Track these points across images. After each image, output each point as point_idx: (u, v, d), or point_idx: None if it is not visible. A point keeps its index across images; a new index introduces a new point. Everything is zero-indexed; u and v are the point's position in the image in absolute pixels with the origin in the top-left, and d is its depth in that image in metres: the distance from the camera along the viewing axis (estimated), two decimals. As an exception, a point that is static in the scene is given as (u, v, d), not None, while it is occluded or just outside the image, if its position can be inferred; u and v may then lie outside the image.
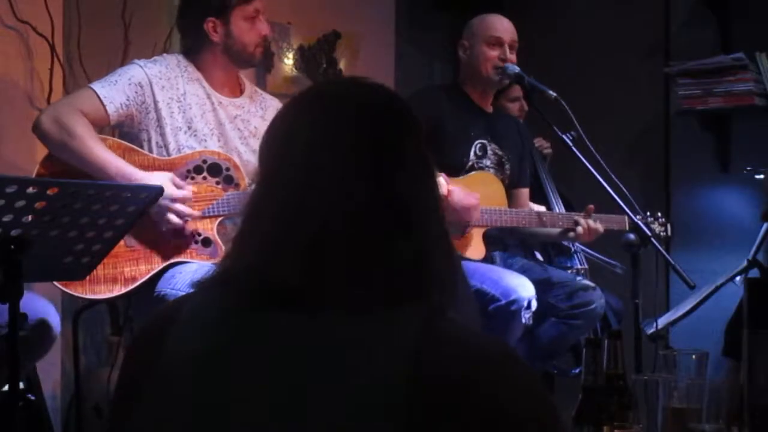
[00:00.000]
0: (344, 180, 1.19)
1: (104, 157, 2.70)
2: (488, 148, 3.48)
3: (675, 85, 4.33)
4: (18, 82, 3.40)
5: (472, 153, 3.44)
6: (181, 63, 2.94)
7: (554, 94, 3.26)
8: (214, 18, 2.91)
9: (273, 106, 3.09)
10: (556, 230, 3.45)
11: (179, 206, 2.73)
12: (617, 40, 4.61)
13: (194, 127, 2.87)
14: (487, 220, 3.25)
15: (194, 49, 2.97)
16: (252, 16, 2.92)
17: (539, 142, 4.25)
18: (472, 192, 3.19)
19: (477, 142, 3.45)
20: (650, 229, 3.18)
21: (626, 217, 3.25)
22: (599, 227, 3.33)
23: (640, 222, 3.18)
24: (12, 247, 2.04)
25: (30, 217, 2.05)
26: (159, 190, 2.43)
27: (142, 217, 2.37)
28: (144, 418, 1.19)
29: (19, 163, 3.28)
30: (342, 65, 4.54)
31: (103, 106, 2.77)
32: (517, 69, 3.38)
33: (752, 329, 1.75)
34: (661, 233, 3.34)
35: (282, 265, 1.17)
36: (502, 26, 3.50)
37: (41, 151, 2.86)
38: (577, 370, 3.68)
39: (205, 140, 2.88)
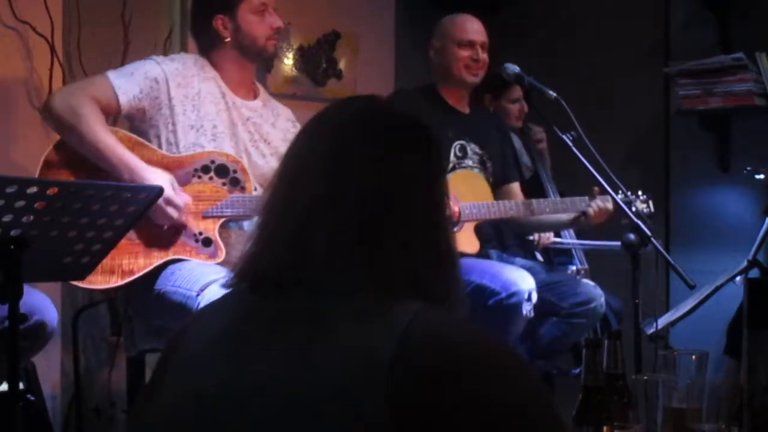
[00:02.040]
0: (340, 184, 1.29)
1: (110, 145, 2.70)
2: (468, 148, 3.48)
3: (675, 85, 4.33)
4: (18, 82, 3.40)
5: (451, 154, 3.44)
6: (198, 62, 2.95)
7: (554, 94, 3.26)
8: (222, 15, 2.93)
9: (284, 115, 3.11)
10: (563, 218, 3.44)
11: (171, 210, 2.71)
12: (617, 40, 4.61)
13: (206, 126, 2.87)
14: (475, 214, 3.26)
15: (208, 48, 2.99)
16: (260, 10, 2.94)
17: (536, 132, 4.25)
18: (456, 193, 3.19)
19: (456, 143, 3.45)
20: (642, 219, 3.18)
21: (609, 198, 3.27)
22: (608, 206, 3.32)
23: (640, 223, 3.17)
24: (12, 247, 2.04)
25: (30, 217, 2.05)
26: (158, 191, 2.43)
27: (141, 217, 2.37)
28: (164, 396, 1.30)
29: (19, 163, 3.28)
30: (342, 65, 4.54)
31: (116, 95, 2.79)
32: (517, 69, 3.37)
33: (752, 329, 1.75)
34: (644, 210, 3.33)
35: (282, 255, 1.30)
36: (473, 27, 3.50)
37: (41, 151, 2.86)
38: (577, 370, 3.68)
39: (215, 139, 2.88)
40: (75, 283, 2.72)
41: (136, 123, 2.89)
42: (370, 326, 1.20)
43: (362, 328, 1.20)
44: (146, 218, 2.68)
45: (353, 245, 1.26)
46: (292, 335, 1.24)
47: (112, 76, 2.82)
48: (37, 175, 2.74)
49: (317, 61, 4.47)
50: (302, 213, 1.29)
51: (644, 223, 3.15)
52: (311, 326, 1.23)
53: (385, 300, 1.23)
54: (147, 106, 2.84)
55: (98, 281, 2.69)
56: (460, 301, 1.32)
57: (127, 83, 2.81)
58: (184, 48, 3.86)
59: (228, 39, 2.94)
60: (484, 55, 3.46)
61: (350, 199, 1.28)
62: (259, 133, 2.99)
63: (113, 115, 2.88)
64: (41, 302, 2.60)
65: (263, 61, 3.12)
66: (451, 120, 3.47)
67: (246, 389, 1.22)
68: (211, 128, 2.88)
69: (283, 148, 2.96)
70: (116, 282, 2.71)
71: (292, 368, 1.21)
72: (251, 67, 3.04)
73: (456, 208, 3.17)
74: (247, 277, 1.35)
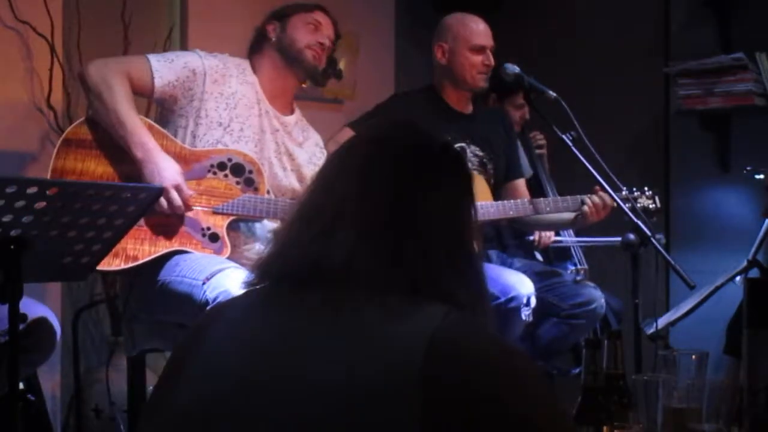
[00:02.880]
0: (369, 191, 1.35)
1: (131, 122, 2.72)
2: (468, 150, 3.46)
3: (675, 85, 4.33)
4: (18, 82, 3.40)
5: None
6: (241, 66, 2.98)
7: (554, 94, 3.25)
8: (275, 21, 3.03)
9: (313, 139, 3.12)
10: (566, 216, 3.43)
11: (174, 195, 2.70)
12: (617, 40, 4.61)
13: (234, 126, 2.89)
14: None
15: (253, 53, 3.04)
16: (310, 23, 3.01)
17: (535, 135, 4.25)
18: None
19: (456, 146, 3.43)
20: (644, 212, 3.17)
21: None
22: (607, 200, 3.29)
23: (640, 223, 3.17)
24: (12, 247, 2.04)
25: (30, 217, 2.05)
26: (158, 191, 2.43)
27: (141, 217, 2.37)
28: (184, 390, 1.31)
29: (20, 163, 3.29)
30: (342, 65, 4.53)
31: (152, 77, 2.82)
32: (517, 69, 3.37)
33: (752, 329, 1.75)
34: (650, 206, 3.33)
35: (306, 254, 1.32)
36: (481, 31, 3.46)
37: (41, 151, 2.86)
38: (577, 370, 3.68)
39: (239, 141, 2.88)
40: None
41: (165, 109, 2.91)
42: (397, 328, 1.22)
43: (388, 330, 1.22)
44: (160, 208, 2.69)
45: (378, 247, 1.29)
46: (316, 335, 1.26)
47: (153, 59, 2.86)
48: (54, 152, 2.74)
49: (317, 61, 4.46)
50: (329, 216, 1.32)
51: (649, 218, 3.15)
52: (335, 326, 1.25)
53: (410, 302, 1.26)
54: (179, 95, 2.86)
55: (101, 263, 2.69)
56: (485, 308, 1.35)
57: (166, 68, 2.84)
58: (184, 48, 3.86)
59: (273, 40, 3.00)
60: (492, 59, 3.45)
61: (377, 203, 1.32)
62: (285, 147, 3.01)
63: (145, 95, 2.90)
64: (43, 312, 2.61)
65: (304, 73, 3.04)
66: (453, 122, 3.45)
67: (269, 390, 1.23)
68: (238, 130, 2.89)
69: (306, 169, 3.02)
70: (119, 266, 2.71)
71: (319, 369, 1.22)
72: (290, 77, 3.03)
73: None
74: (270, 275, 1.37)
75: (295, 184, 3.00)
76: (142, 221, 2.69)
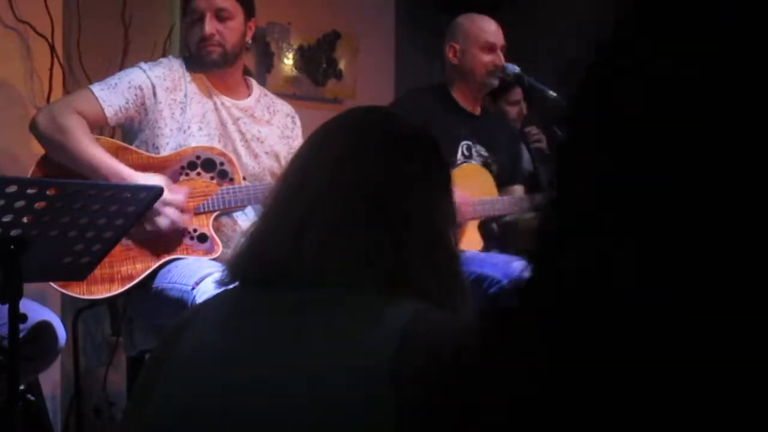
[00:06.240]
0: (341, 184, 1.29)
1: (101, 158, 2.69)
2: (473, 149, 3.47)
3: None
4: (18, 82, 3.41)
5: (459, 153, 3.43)
6: (184, 65, 2.93)
7: (554, 94, 3.26)
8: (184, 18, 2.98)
9: (282, 111, 3.07)
10: None
11: (170, 210, 2.70)
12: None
13: (193, 127, 2.86)
14: (479, 211, 3.25)
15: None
16: (193, 19, 2.88)
17: (531, 130, 4.25)
18: (462, 189, 3.18)
19: (463, 142, 3.44)
20: None
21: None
22: None
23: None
24: (12, 247, 2.04)
25: (29, 218, 2.05)
26: (159, 191, 2.42)
27: (141, 217, 2.37)
28: (159, 396, 1.27)
29: (19, 164, 3.29)
30: (342, 65, 4.54)
31: (101, 108, 2.77)
32: (517, 69, 3.38)
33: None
34: None
35: (276, 252, 1.28)
36: (493, 30, 3.48)
37: (41, 152, 2.86)
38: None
39: (201, 142, 2.87)
40: (76, 295, 2.72)
41: (127, 129, 2.89)
42: (368, 327, 1.19)
43: (360, 329, 1.19)
44: (142, 223, 2.68)
45: (351, 243, 1.25)
46: (287, 337, 1.22)
47: (96, 89, 2.79)
48: (30, 177, 2.74)
49: (317, 61, 4.47)
50: (300, 211, 1.28)
51: None
52: (306, 327, 1.22)
53: (384, 300, 1.22)
54: (134, 113, 2.82)
55: (99, 291, 2.70)
56: (462, 303, 1.30)
57: (112, 95, 2.79)
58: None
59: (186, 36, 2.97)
60: (502, 59, 3.46)
61: (349, 198, 1.28)
62: (251, 133, 2.96)
63: (102, 126, 2.87)
64: (49, 316, 2.61)
65: (212, 65, 2.89)
66: (461, 120, 3.46)
67: (241, 394, 1.20)
68: (197, 129, 2.86)
69: (278, 145, 2.98)
70: (117, 290, 2.72)
71: (290, 372, 1.18)
72: (218, 70, 2.93)
73: (467, 208, 3.15)
74: (241, 274, 1.34)
75: (273, 166, 2.97)
76: (129, 241, 2.70)
